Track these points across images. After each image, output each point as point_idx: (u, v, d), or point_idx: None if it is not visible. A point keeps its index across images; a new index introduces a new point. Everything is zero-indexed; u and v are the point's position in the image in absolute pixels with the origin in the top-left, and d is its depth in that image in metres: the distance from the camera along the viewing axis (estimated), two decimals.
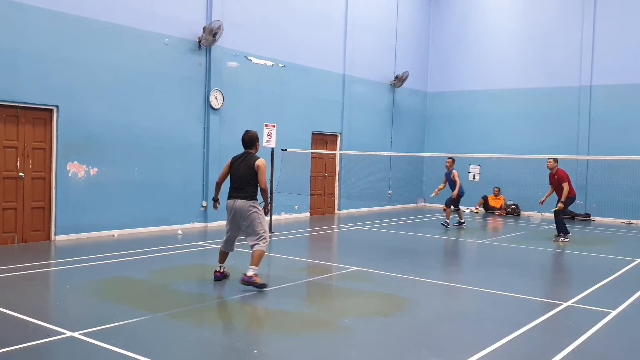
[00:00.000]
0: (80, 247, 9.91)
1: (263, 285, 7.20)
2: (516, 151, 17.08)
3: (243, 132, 7.85)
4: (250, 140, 7.67)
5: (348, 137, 17.09)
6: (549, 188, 12.84)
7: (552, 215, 12.66)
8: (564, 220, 12.39)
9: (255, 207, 7.32)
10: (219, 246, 7.77)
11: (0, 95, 9.63)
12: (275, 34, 14.62)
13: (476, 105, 19.47)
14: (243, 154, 7.66)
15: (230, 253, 7.78)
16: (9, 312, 5.94)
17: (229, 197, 7.42)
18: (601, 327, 6.00)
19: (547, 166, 12.46)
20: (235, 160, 7.62)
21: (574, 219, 16.82)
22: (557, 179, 12.45)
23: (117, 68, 11.23)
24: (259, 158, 7.49)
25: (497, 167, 18.47)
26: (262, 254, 7.25)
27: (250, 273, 7.10)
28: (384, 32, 18.46)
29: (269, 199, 7.54)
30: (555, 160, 12.45)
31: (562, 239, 12.20)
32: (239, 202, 7.29)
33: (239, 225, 7.41)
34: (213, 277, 7.67)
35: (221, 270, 7.69)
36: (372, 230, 13.48)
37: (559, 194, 12.38)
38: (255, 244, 7.27)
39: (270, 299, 7.00)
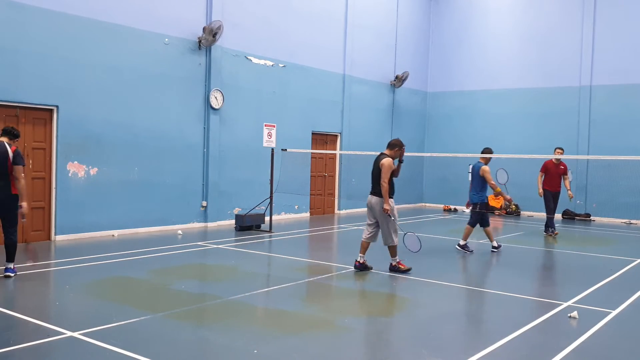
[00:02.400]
0: (80, 247, 9.91)
1: (407, 270, 8.34)
2: (516, 151, 17.06)
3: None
4: (389, 144, 8.57)
5: (348, 137, 17.09)
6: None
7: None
8: None
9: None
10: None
11: (0, 95, 9.64)
12: (275, 34, 14.62)
13: (476, 105, 19.47)
14: (380, 154, 8.60)
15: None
16: (9, 312, 5.94)
17: (370, 193, 8.49)
18: (601, 327, 6.00)
19: (558, 155, 12.51)
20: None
21: (574, 219, 16.83)
22: (563, 169, 12.94)
23: (117, 68, 11.23)
24: (386, 157, 8.27)
25: (497, 167, 18.43)
26: (393, 247, 8.38)
27: (393, 263, 8.41)
28: (384, 32, 18.46)
29: (388, 196, 8.22)
30: None
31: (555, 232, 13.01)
32: (374, 199, 8.35)
33: (376, 219, 8.36)
34: (353, 266, 8.47)
35: (361, 261, 8.43)
36: None
37: (557, 184, 12.94)
38: (386, 242, 8.38)
39: (270, 299, 7.00)
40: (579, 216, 16.76)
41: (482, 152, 11.04)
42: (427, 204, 20.40)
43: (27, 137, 10.09)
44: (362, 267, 8.43)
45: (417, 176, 20.31)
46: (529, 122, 18.30)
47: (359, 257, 8.46)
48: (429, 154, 19.22)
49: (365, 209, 8.61)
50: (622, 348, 5.49)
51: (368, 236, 8.45)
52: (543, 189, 12.98)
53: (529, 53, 18.40)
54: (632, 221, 16.29)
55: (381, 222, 8.31)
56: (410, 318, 6.33)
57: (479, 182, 10.84)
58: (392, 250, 8.41)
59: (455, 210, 19.13)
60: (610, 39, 16.96)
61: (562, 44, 17.74)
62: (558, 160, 12.83)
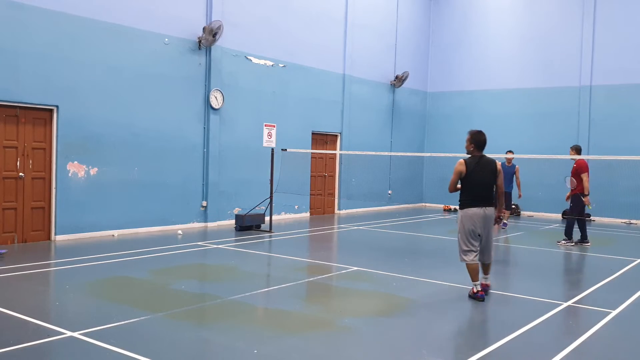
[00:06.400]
0: (80, 247, 9.91)
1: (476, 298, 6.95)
2: (516, 151, 17.03)
3: (476, 132, 7.31)
4: (485, 143, 7.26)
5: (348, 137, 17.09)
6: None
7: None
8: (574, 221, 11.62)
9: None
10: (468, 262, 7.08)
11: (0, 95, 9.64)
12: (275, 34, 14.62)
13: (476, 105, 19.47)
14: (480, 157, 7.21)
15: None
16: (9, 312, 5.94)
17: (477, 205, 7.02)
18: (601, 327, 6.00)
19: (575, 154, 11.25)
20: (472, 166, 7.16)
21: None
22: (574, 169, 11.53)
23: (117, 68, 11.23)
24: (495, 161, 7.26)
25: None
26: (490, 265, 7.32)
27: (478, 287, 7.05)
28: (384, 32, 18.46)
29: (504, 204, 7.44)
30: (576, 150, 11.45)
31: (572, 242, 11.69)
32: (490, 210, 7.10)
33: (481, 234, 7.11)
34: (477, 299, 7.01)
35: (480, 289, 7.11)
36: (372, 230, 13.48)
37: (578, 187, 11.42)
38: (489, 259, 7.27)
39: (270, 299, 7.00)
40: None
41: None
42: (427, 204, 20.39)
43: (27, 137, 10.09)
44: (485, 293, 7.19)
45: (417, 176, 20.31)
46: (529, 122, 18.30)
47: (476, 286, 7.08)
48: (429, 154, 19.20)
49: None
50: (622, 348, 5.50)
51: (481, 255, 7.26)
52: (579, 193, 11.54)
53: (529, 53, 18.40)
54: (632, 221, 16.29)
55: (489, 236, 7.19)
56: (410, 318, 6.34)
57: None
58: (486, 269, 7.33)
59: (455, 210, 19.11)
60: (610, 39, 16.96)
61: (562, 44, 17.74)
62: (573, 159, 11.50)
